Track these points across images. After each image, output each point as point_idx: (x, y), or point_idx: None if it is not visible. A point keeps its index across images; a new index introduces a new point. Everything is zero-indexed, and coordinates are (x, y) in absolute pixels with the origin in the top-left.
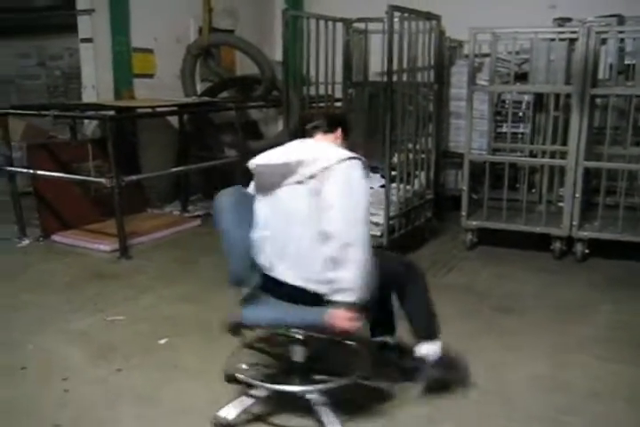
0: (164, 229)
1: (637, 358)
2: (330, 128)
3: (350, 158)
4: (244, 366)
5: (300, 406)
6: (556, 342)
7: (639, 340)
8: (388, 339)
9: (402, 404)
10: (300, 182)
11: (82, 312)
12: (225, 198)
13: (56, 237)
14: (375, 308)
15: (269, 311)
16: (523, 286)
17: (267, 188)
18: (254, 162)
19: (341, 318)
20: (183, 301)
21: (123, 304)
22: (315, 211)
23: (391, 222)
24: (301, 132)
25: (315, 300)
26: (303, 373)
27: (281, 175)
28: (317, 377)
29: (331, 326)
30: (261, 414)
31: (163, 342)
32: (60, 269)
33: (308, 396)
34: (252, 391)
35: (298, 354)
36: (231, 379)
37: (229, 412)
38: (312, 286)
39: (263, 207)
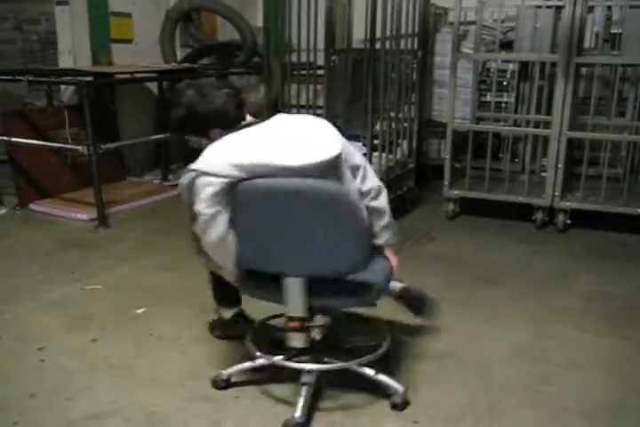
0: (143, 198)
1: (617, 328)
2: None
3: None
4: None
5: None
6: (536, 313)
7: (619, 311)
8: None
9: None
10: None
11: (59, 281)
12: None
13: (33, 206)
14: None
15: None
16: (504, 255)
17: None
18: None
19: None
20: (162, 270)
21: (101, 273)
22: None
23: None
24: None
25: None
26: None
27: None
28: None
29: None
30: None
31: (140, 311)
32: (37, 238)
33: (360, 369)
34: (305, 378)
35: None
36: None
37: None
38: None
39: None
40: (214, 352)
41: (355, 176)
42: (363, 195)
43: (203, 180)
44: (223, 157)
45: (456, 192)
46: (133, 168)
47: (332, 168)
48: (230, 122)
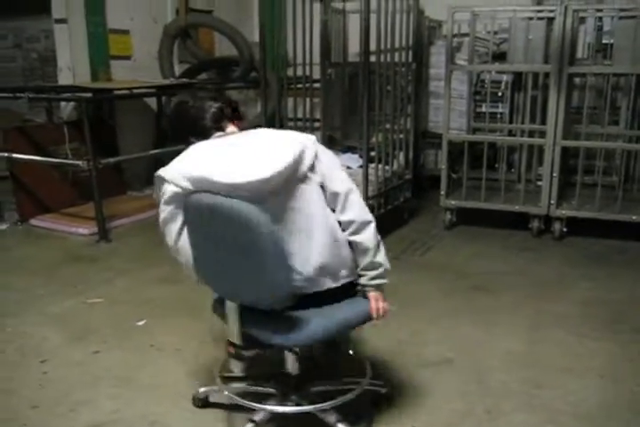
0: (143, 212)
1: (612, 334)
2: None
3: None
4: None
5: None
6: (532, 319)
7: (614, 316)
8: None
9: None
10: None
11: (60, 295)
12: None
13: (34, 221)
14: None
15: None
16: (501, 264)
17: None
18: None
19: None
20: (162, 283)
21: (101, 287)
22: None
23: (370, 202)
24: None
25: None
26: (299, 385)
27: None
28: (314, 389)
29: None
30: None
31: (141, 323)
32: (39, 252)
33: (321, 415)
34: (255, 417)
35: (291, 364)
36: (202, 404)
37: None
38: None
39: None
40: (215, 362)
41: (334, 204)
42: (342, 226)
43: (163, 185)
44: (180, 166)
45: (453, 202)
46: (133, 183)
47: (271, 190)
48: (205, 133)
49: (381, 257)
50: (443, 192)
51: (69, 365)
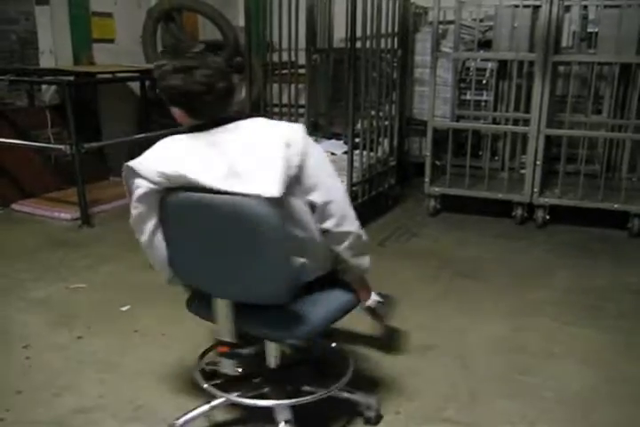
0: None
1: (593, 320)
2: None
3: None
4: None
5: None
6: (515, 306)
7: (595, 303)
8: None
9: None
10: None
11: (43, 281)
12: None
13: (16, 206)
14: None
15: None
16: (483, 251)
17: None
18: None
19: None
20: (145, 268)
21: (85, 272)
22: None
23: (354, 189)
24: None
25: None
26: (275, 381)
27: None
28: (289, 387)
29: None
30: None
31: (125, 309)
32: (21, 238)
33: (276, 411)
34: (215, 402)
35: (272, 359)
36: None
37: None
38: None
39: None
40: (198, 347)
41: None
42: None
43: (135, 179)
44: (156, 161)
45: (437, 189)
46: (115, 168)
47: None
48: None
49: (359, 261)
50: (427, 179)
51: (53, 350)
